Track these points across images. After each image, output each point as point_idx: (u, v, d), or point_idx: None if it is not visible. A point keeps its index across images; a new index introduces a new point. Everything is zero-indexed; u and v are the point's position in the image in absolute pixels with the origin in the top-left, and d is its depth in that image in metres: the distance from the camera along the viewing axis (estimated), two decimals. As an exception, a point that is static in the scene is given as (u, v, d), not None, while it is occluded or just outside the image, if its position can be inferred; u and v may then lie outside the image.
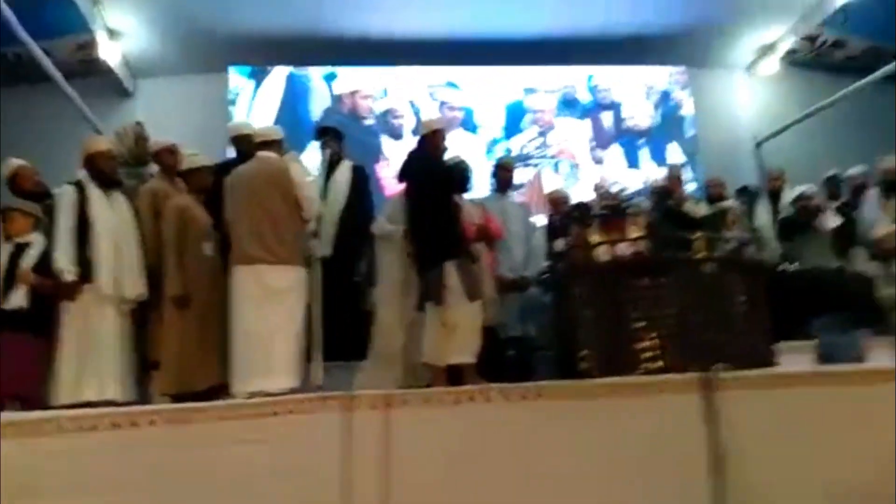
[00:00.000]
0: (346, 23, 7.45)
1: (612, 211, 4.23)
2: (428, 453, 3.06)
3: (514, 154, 7.87)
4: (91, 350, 3.78)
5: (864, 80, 7.42)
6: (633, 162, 8.35)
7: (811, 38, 8.09)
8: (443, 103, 8.15)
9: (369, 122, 8.06)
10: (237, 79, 7.96)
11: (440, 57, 7.93)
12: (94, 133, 6.40)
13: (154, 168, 4.46)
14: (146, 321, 4.05)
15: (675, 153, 8.34)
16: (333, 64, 8.04)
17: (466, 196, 4.56)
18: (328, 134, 5.13)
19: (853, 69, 8.01)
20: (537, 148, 8.23)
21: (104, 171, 4.07)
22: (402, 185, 4.35)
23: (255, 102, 7.93)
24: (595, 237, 4.01)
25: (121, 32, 7.15)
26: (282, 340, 3.76)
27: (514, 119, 8.28)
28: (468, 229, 4.25)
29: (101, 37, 6.92)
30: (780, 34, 8.16)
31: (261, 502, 2.87)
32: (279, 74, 8.03)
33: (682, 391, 3.35)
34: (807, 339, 4.86)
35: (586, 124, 8.37)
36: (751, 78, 8.86)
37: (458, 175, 4.41)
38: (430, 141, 4.30)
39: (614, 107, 8.48)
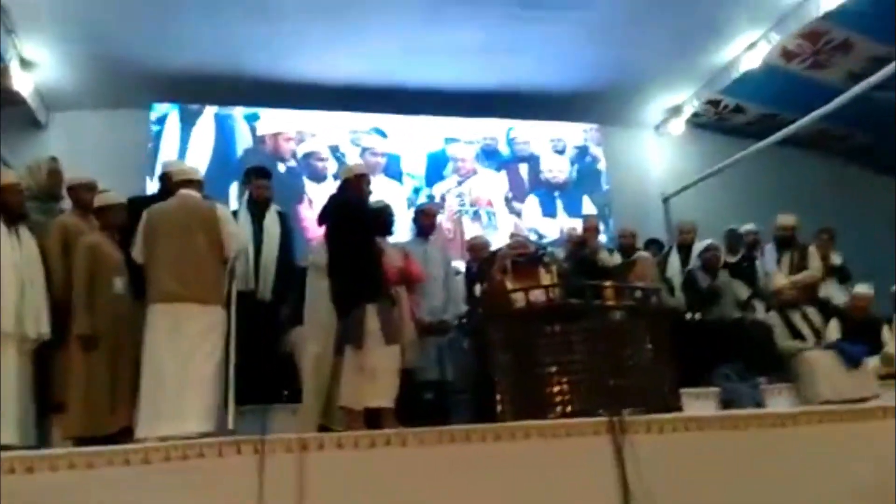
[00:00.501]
0: (273, 65, 7.49)
1: (527, 259, 4.37)
2: (343, 497, 3.04)
3: (436, 201, 8.00)
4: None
5: (760, 144, 8.02)
6: (549, 211, 8.64)
7: (714, 103, 8.67)
8: (365, 149, 8.23)
9: (290, 164, 8.05)
10: (160, 116, 7.81)
11: (364, 103, 8.04)
12: (2, 164, 6.14)
13: (66, 203, 4.33)
14: (50, 360, 3.87)
15: (589, 206, 8.68)
16: (259, 105, 8.02)
17: (389, 240, 4.63)
18: (257, 175, 5.12)
19: (751, 133, 8.64)
20: (457, 196, 8.42)
21: (10, 206, 3.90)
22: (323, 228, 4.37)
23: (190, 142, 7.79)
24: (510, 284, 4.13)
25: (35, 63, 6.94)
26: (197, 383, 3.63)
27: (437, 167, 8.44)
28: (389, 272, 4.29)
29: (13, 66, 6.69)
30: (686, 97, 8.75)
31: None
32: (209, 114, 7.95)
33: (592, 434, 3.46)
34: (710, 385, 5.13)
35: (503, 176, 8.63)
36: (659, 137, 9.41)
37: (383, 218, 4.47)
38: (354, 185, 4.34)
39: (532, 159, 8.78)
